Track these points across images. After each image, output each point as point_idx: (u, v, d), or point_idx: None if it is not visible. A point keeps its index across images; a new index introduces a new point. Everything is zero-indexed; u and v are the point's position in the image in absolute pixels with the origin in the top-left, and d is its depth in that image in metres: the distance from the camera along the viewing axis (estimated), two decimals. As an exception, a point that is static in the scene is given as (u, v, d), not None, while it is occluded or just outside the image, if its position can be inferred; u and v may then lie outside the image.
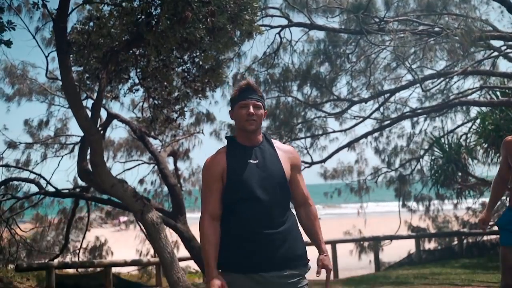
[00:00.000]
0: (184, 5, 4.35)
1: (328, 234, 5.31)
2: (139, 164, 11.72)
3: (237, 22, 5.03)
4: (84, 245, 11.00)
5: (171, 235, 9.79)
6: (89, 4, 4.84)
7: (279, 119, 9.29)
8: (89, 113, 5.64)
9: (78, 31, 5.47)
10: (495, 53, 8.43)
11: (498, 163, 2.99)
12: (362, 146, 11.98)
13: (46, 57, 7.12)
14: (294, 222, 2.23)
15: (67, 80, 4.69)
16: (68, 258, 10.73)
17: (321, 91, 9.42)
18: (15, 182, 9.55)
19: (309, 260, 2.22)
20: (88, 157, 5.93)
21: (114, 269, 9.28)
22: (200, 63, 6.54)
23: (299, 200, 2.27)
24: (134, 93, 7.41)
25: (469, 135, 9.66)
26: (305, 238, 2.29)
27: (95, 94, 7.15)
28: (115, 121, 9.45)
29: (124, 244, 12.75)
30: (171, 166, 10.87)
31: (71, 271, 9.51)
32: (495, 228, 10.34)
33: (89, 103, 9.29)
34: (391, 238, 10.94)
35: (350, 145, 9.66)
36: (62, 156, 10.66)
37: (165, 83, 6.98)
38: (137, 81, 6.95)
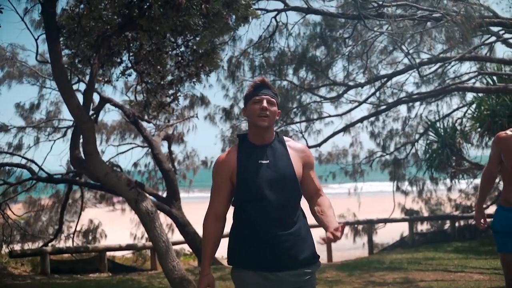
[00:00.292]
0: (178, -9, 4.21)
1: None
2: (132, 148, 11.64)
3: (233, 7, 4.89)
4: (78, 228, 10.98)
5: (165, 218, 9.79)
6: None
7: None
8: (81, 100, 5.51)
9: (68, 14, 5.30)
10: (493, 38, 8.33)
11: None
12: (357, 129, 11.99)
13: (36, 39, 6.92)
14: (305, 222, 2.22)
15: (58, 67, 4.56)
16: (62, 242, 10.72)
17: (316, 75, 9.31)
18: (7, 167, 9.45)
19: (319, 256, 2.22)
20: (80, 144, 5.84)
21: (109, 252, 9.29)
22: (194, 47, 6.40)
23: (311, 193, 2.25)
24: (126, 78, 7.26)
25: (464, 119, 9.65)
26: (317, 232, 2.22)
27: (87, 78, 7.00)
28: (108, 105, 9.31)
29: (119, 223, 12.74)
30: (165, 150, 10.81)
31: (65, 255, 9.50)
32: (490, 211, 10.46)
33: (81, 86, 9.16)
34: (385, 221, 11.04)
35: (345, 129, 9.61)
36: (55, 140, 10.54)
37: (158, 67, 6.84)
38: (129, 65, 6.81)
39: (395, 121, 11.79)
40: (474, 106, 8.95)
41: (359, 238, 11.83)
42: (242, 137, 2.27)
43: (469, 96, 10.11)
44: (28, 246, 9.90)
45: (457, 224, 10.69)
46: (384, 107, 9.74)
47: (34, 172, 8.51)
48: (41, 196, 11.59)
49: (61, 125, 10.80)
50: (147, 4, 4.78)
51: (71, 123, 9.80)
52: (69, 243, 10.68)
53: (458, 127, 9.26)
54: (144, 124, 9.51)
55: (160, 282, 6.81)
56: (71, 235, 10.73)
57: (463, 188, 11.99)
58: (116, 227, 13.11)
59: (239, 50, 9.26)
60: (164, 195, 9.59)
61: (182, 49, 6.74)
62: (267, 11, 7.73)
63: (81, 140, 5.70)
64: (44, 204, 11.37)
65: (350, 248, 11.52)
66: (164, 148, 10.82)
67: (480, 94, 8.55)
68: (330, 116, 10.15)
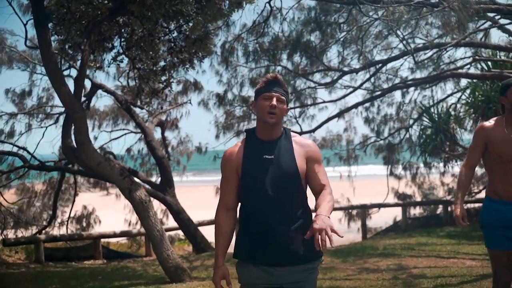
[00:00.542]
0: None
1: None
2: (125, 134, 11.55)
3: (226, -7, 4.79)
4: (72, 214, 10.94)
5: (160, 204, 9.77)
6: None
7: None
8: (72, 87, 5.41)
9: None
10: (488, 23, 8.27)
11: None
12: (352, 114, 11.97)
13: (25, 25, 6.77)
14: (309, 218, 2.21)
15: (47, 55, 4.46)
16: (56, 229, 10.69)
17: (311, 61, 9.21)
18: (-1, 155, 9.34)
19: (322, 252, 2.20)
20: (72, 133, 5.76)
21: (104, 239, 9.27)
22: (187, 33, 6.28)
23: (316, 189, 2.24)
24: (118, 64, 7.14)
25: (458, 105, 9.64)
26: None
27: (78, 63, 6.86)
28: (100, 91, 9.20)
29: (113, 208, 12.68)
30: (158, 135, 10.73)
31: (60, 243, 9.48)
32: (479, 196, 10.44)
33: (72, 72, 9.01)
34: (379, 206, 11.11)
35: (340, 115, 9.58)
36: (47, 127, 10.43)
37: (151, 53, 6.72)
38: (121, 50, 6.68)
39: (389, 106, 11.79)
40: (468, 91, 8.92)
41: (353, 223, 11.94)
42: (249, 131, 2.28)
43: (464, 81, 10.09)
44: (22, 233, 9.86)
45: (449, 209, 10.77)
46: (378, 92, 9.70)
47: (26, 160, 8.43)
48: (34, 181, 11.50)
49: (53, 112, 10.67)
50: (139, -11, 4.67)
51: (63, 109, 9.68)
52: (63, 230, 10.66)
53: (452, 113, 9.25)
54: (137, 110, 9.42)
55: (155, 269, 6.81)
56: (65, 222, 10.69)
57: (456, 173, 12.08)
58: (110, 211, 13.07)
59: (232, 35, 9.16)
60: (158, 181, 9.56)
61: (175, 34, 6.61)
62: (261, -5, 7.60)
63: (72, 129, 5.62)
64: (37, 190, 11.30)
65: (344, 232, 11.62)
66: (157, 134, 10.75)
67: (475, 80, 8.53)
68: (324, 102, 10.11)
